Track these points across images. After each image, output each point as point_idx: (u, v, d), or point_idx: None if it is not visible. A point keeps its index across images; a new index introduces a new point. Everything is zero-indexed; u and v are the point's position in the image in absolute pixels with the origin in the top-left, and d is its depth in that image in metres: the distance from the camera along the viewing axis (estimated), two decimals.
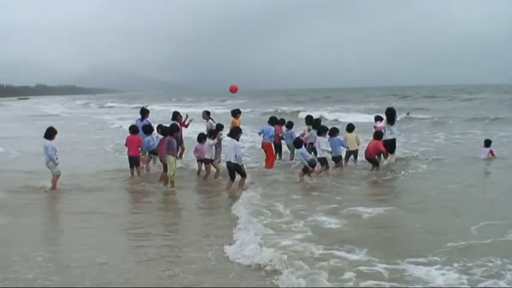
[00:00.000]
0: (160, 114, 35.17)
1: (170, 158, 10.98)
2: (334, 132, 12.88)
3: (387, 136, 13.51)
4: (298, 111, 36.53)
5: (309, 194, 10.53)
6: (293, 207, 8.88)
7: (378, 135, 13.29)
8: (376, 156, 13.20)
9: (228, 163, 10.97)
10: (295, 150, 12.46)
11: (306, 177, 11.65)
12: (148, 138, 12.87)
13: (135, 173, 12.67)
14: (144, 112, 14.14)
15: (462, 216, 8.37)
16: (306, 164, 11.58)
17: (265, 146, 13.66)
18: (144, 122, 13.68)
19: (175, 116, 14.71)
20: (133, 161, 12.69)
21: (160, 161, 11.95)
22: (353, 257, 6.30)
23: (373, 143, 13.09)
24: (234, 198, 10.06)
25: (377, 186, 11.42)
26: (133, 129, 12.89)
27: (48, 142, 11.27)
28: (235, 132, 11.23)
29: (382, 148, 13.22)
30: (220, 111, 32.99)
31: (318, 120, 14.61)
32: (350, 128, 13.96)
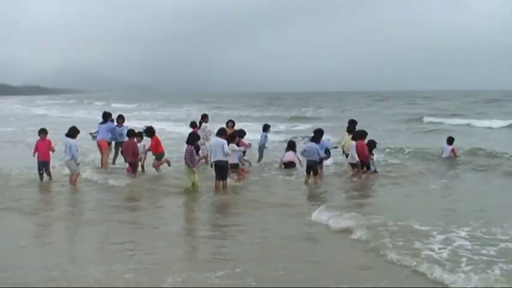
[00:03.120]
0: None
1: (189, 169, 10.84)
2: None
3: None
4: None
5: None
6: None
7: (363, 134, 12.37)
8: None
9: (218, 161, 10.88)
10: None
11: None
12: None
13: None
14: (107, 116, 14.18)
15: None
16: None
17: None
18: (108, 124, 14.09)
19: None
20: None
21: (130, 163, 12.66)
22: None
23: (361, 144, 12.08)
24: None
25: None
26: (129, 133, 12.85)
27: (72, 141, 11.49)
28: (222, 133, 11.26)
29: (366, 152, 12.13)
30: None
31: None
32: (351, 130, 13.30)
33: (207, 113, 16.48)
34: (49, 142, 12.23)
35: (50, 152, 12.28)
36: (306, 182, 11.69)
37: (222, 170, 10.95)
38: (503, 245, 6.86)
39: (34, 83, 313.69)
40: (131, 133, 12.79)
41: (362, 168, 12.19)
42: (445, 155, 14.22)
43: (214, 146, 10.90)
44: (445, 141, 14.70)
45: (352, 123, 13.69)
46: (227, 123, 14.89)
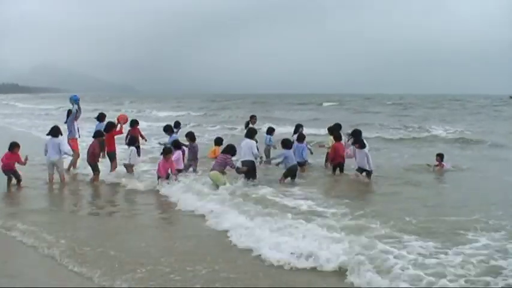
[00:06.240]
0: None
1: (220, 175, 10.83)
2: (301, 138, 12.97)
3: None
4: None
5: None
6: None
7: (339, 137, 12.73)
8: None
9: (244, 162, 11.26)
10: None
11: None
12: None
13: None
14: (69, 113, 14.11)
15: None
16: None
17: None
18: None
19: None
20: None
21: (90, 164, 12.09)
22: None
23: (340, 146, 12.46)
24: None
25: None
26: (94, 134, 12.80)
27: (58, 139, 11.67)
28: (253, 133, 11.96)
29: (342, 153, 12.39)
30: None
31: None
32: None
33: (254, 114, 16.29)
34: (17, 156, 11.78)
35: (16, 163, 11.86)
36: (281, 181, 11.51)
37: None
38: None
39: (13, 81, 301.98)
40: (96, 134, 12.58)
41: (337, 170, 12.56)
42: (448, 166, 12.93)
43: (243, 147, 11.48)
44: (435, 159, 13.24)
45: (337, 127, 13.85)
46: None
